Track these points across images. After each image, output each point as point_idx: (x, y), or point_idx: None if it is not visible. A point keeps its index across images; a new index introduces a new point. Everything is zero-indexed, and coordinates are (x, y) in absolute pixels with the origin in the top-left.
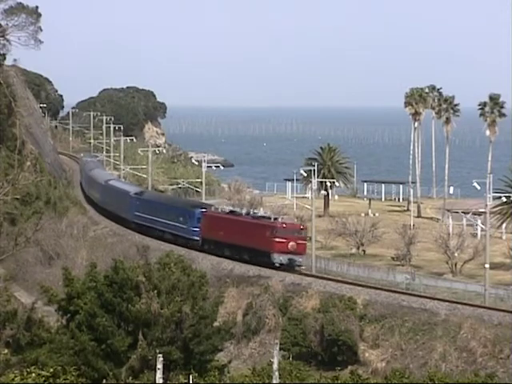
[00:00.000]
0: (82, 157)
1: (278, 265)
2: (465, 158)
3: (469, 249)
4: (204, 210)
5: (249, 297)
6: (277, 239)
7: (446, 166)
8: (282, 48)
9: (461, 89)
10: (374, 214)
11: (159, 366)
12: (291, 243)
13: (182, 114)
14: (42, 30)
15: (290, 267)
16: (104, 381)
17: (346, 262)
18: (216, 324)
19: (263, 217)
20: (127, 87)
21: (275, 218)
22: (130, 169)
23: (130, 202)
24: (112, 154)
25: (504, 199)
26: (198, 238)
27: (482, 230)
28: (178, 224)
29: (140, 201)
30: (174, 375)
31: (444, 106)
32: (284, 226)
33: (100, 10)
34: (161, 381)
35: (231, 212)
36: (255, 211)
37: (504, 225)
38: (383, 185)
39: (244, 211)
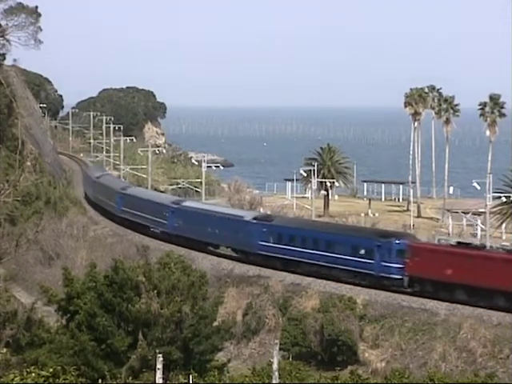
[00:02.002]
0: (89, 166)
1: None
2: (465, 158)
3: None
4: (403, 240)
5: (249, 297)
6: None
7: (446, 166)
8: (283, 48)
9: (461, 89)
10: (374, 214)
11: (159, 365)
12: None
13: (182, 114)
14: (41, 30)
15: None
16: (100, 380)
17: None
18: (216, 324)
19: None
20: (127, 87)
21: None
22: (130, 169)
23: (251, 230)
24: (112, 154)
25: (504, 199)
26: (398, 276)
27: (482, 229)
28: (355, 258)
29: (267, 227)
30: (174, 375)
31: (444, 106)
32: None
33: (100, 10)
34: (161, 381)
35: (462, 244)
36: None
37: (504, 225)
38: (383, 185)
39: (477, 244)
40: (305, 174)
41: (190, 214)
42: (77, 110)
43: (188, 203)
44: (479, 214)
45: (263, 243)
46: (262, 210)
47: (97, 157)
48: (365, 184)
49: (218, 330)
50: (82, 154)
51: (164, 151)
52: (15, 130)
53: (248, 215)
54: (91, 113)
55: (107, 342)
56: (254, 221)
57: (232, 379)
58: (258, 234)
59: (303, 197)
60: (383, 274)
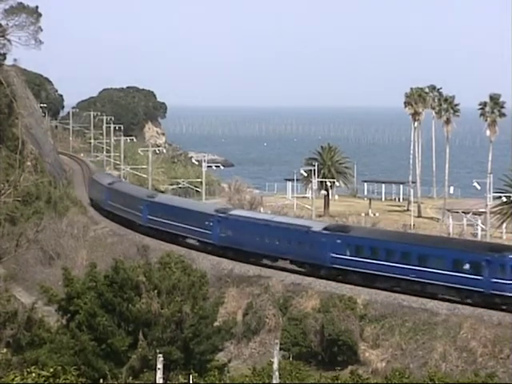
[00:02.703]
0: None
1: None
2: (465, 158)
3: None
4: None
5: (249, 297)
6: None
7: (446, 165)
8: (283, 48)
9: (461, 89)
10: (374, 214)
11: (159, 365)
12: None
13: (182, 114)
14: (42, 30)
15: None
16: (101, 380)
17: None
18: (216, 324)
19: None
20: (127, 87)
21: None
22: (130, 169)
23: (321, 242)
24: (112, 154)
25: (504, 199)
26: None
27: (482, 229)
28: (457, 274)
29: (343, 239)
30: (174, 375)
31: (444, 106)
32: None
33: (100, 10)
34: (161, 381)
35: None
36: None
37: (504, 225)
38: (383, 185)
39: None
40: (305, 174)
41: (242, 223)
42: (77, 110)
43: (237, 212)
44: (479, 213)
45: (337, 256)
46: (262, 209)
47: (97, 157)
48: (365, 184)
49: (219, 330)
50: (82, 154)
51: (164, 151)
52: (15, 130)
53: (316, 225)
54: (91, 113)
55: (107, 342)
56: (326, 232)
57: (232, 379)
58: (331, 246)
59: (303, 197)
60: (495, 292)
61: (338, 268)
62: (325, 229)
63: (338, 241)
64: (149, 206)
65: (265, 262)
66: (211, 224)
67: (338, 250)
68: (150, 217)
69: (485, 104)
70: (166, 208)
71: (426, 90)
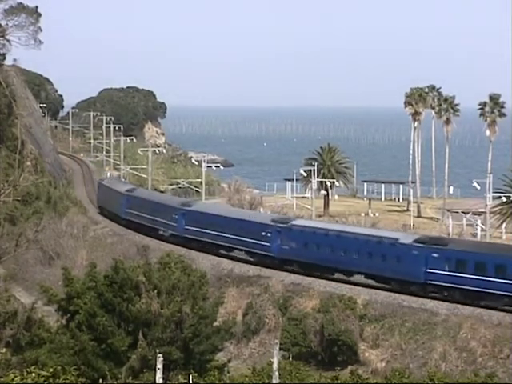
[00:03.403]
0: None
1: None
2: (465, 158)
3: None
4: None
5: (249, 297)
6: None
7: (446, 165)
8: (283, 48)
9: (461, 89)
10: (374, 214)
11: (159, 365)
12: None
13: (182, 114)
14: (41, 30)
15: None
16: (101, 380)
17: None
18: (216, 324)
19: None
20: (127, 87)
21: None
22: (130, 169)
23: (413, 255)
24: (112, 154)
25: (504, 199)
26: None
27: (482, 229)
28: None
29: (441, 252)
30: (174, 375)
31: (444, 105)
32: None
33: (100, 10)
34: (161, 381)
35: None
36: None
37: (504, 225)
38: (383, 185)
39: None
40: (305, 174)
41: (308, 234)
42: (77, 110)
43: (300, 222)
44: (479, 213)
45: (433, 271)
46: (262, 209)
47: (97, 157)
48: (365, 184)
49: (219, 330)
50: (82, 154)
51: (164, 151)
52: (15, 130)
53: (404, 237)
54: (91, 113)
55: (107, 342)
56: (419, 244)
57: (232, 379)
58: (425, 261)
59: (303, 197)
60: None
61: (433, 284)
62: (416, 241)
63: (435, 255)
64: (186, 215)
65: (337, 276)
66: (269, 235)
67: (434, 264)
68: (188, 227)
69: (485, 104)
70: (209, 217)
71: (426, 90)
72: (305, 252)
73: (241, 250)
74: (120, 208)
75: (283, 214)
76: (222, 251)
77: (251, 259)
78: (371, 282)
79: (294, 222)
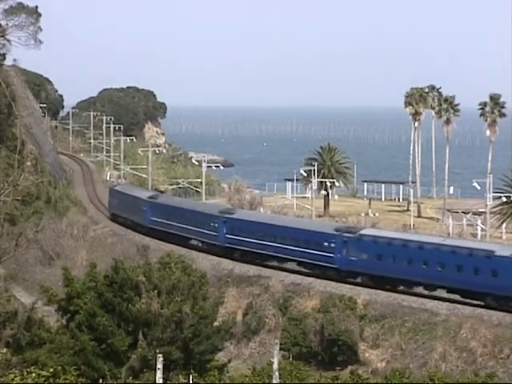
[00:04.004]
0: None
1: None
2: (465, 158)
3: None
4: None
5: (249, 297)
6: None
7: (446, 165)
8: (283, 48)
9: (461, 89)
10: (374, 214)
11: (159, 365)
12: None
13: (182, 114)
14: (41, 30)
15: None
16: (101, 380)
17: None
18: (216, 324)
19: None
20: (127, 87)
21: None
22: (130, 169)
23: None
24: (112, 154)
25: (504, 199)
26: None
27: (482, 229)
28: None
29: None
30: (174, 375)
31: (444, 106)
32: None
33: (100, 10)
34: (161, 381)
35: None
36: None
37: (504, 225)
38: (383, 185)
39: None
40: (305, 174)
41: (383, 246)
42: (77, 110)
43: (372, 231)
44: (479, 213)
45: None
46: (262, 209)
47: (97, 157)
48: (365, 184)
49: (219, 330)
50: (82, 154)
51: (164, 151)
52: (15, 130)
53: (501, 249)
54: (91, 113)
55: (107, 342)
56: None
57: (232, 379)
58: None
59: (303, 197)
60: None
61: None
62: None
63: None
64: (227, 224)
65: (416, 290)
66: (333, 245)
67: None
68: (231, 236)
69: (485, 104)
70: (257, 226)
71: (426, 90)
72: (378, 264)
73: (297, 261)
74: (143, 216)
75: (284, 213)
76: (274, 262)
77: (309, 271)
78: (456, 296)
79: (363, 232)
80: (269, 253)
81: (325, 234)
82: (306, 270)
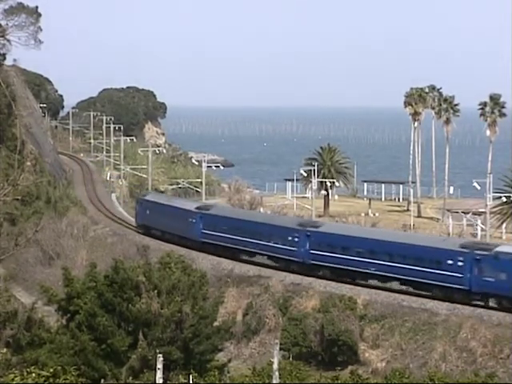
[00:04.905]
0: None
1: None
2: (465, 158)
3: None
4: None
5: (249, 297)
6: None
7: (446, 165)
8: (283, 48)
9: (461, 89)
10: (374, 214)
11: (159, 365)
12: None
13: (182, 114)
14: (41, 30)
15: None
16: (101, 380)
17: None
18: (216, 324)
19: None
20: (127, 87)
21: None
22: (130, 169)
23: None
24: (112, 154)
25: (504, 199)
26: None
27: (482, 229)
28: None
29: None
30: (174, 375)
31: (444, 105)
32: None
33: (100, 10)
34: (161, 381)
35: None
36: None
37: (504, 225)
38: (383, 185)
39: None
40: (305, 174)
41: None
42: (77, 110)
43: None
44: (479, 213)
45: None
46: (262, 209)
47: (97, 157)
48: (365, 184)
49: (218, 330)
50: (82, 154)
51: (164, 151)
52: (15, 130)
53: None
54: (91, 113)
55: (107, 342)
56: None
57: (232, 379)
58: None
59: (303, 197)
60: None
61: None
62: None
63: None
64: (311, 238)
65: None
66: (460, 264)
67: None
68: (316, 251)
69: (485, 104)
70: (349, 241)
71: (426, 90)
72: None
73: (400, 279)
74: (192, 229)
75: (284, 214)
76: (372, 280)
77: (427, 293)
78: None
79: (499, 249)
80: (365, 270)
81: (449, 251)
82: (425, 292)
